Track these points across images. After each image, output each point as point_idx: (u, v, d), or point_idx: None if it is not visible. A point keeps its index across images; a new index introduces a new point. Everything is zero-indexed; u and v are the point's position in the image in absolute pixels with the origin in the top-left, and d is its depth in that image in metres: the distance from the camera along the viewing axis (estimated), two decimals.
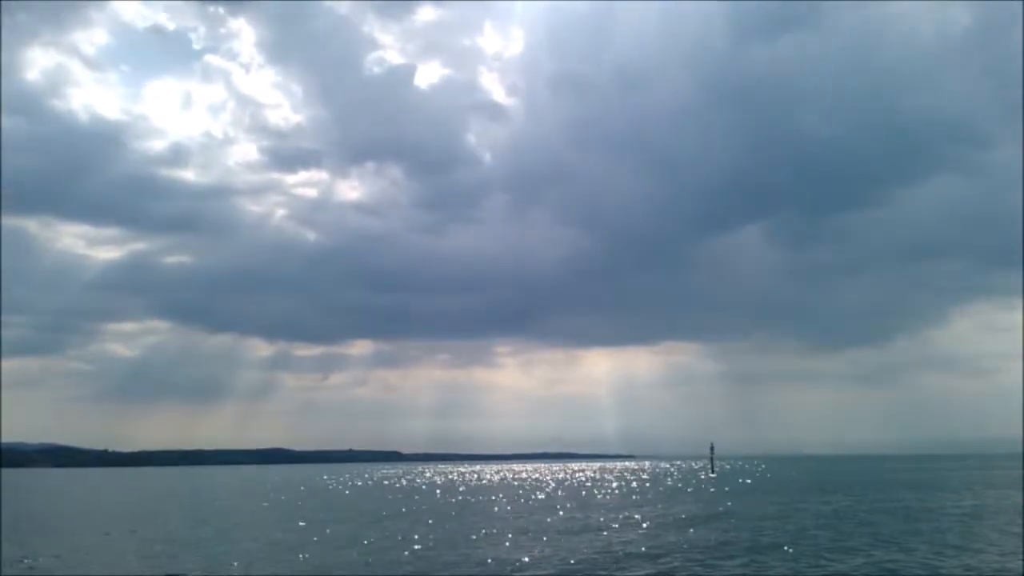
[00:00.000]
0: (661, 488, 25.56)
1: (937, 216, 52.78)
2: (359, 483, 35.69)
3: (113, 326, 63.10)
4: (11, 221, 48.18)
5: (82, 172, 49.56)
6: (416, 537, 10.98)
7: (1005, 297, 57.52)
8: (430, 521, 13.71)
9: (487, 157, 53.34)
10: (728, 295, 54.77)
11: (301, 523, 13.79)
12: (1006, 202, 49.62)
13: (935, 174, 52.10)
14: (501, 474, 56.05)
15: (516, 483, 33.48)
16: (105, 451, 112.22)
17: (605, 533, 10.76)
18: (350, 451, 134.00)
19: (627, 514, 14.48)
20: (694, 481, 31.68)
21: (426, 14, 52.60)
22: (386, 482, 36.37)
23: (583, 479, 35.95)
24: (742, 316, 61.19)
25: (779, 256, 56.03)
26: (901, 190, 51.69)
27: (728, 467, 62.19)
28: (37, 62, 48.29)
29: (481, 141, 53.23)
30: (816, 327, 55.70)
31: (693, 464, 71.35)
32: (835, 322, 54.96)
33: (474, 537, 10.70)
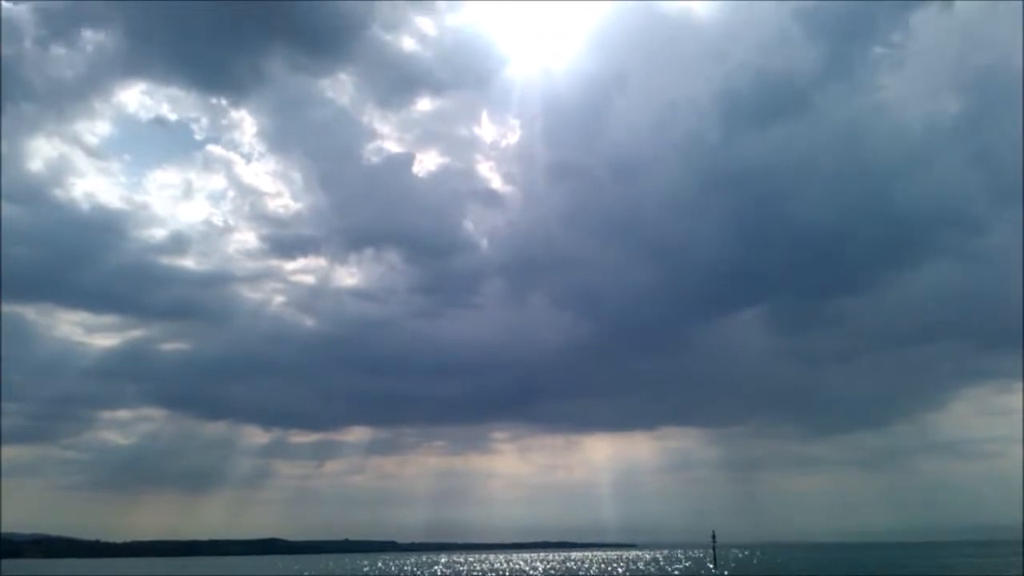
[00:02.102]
0: None
1: (933, 300, 53.39)
2: None
3: (108, 414, 63.73)
4: (10, 308, 48.97)
5: (82, 260, 50.53)
6: None
7: (1004, 380, 57.84)
8: None
9: (484, 243, 54.66)
10: (726, 379, 55.30)
11: None
12: (1001, 286, 50.17)
13: (929, 259, 52.97)
14: (503, 565, 55.24)
15: None
16: (97, 541, 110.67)
17: None
18: (346, 540, 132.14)
19: None
20: None
21: (424, 105, 54.69)
22: None
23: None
24: (740, 401, 61.81)
25: (776, 340, 56.52)
26: (896, 275, 52.38)
27: (731, 556, 61.37)
28: (40, 152, 49.83)
29: (478, 228, 54.70)
30: (815, 412, 56.12)
31: (695, 553, 70.27)
32: (834, 407, 55.38)
33: None
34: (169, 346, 54.07)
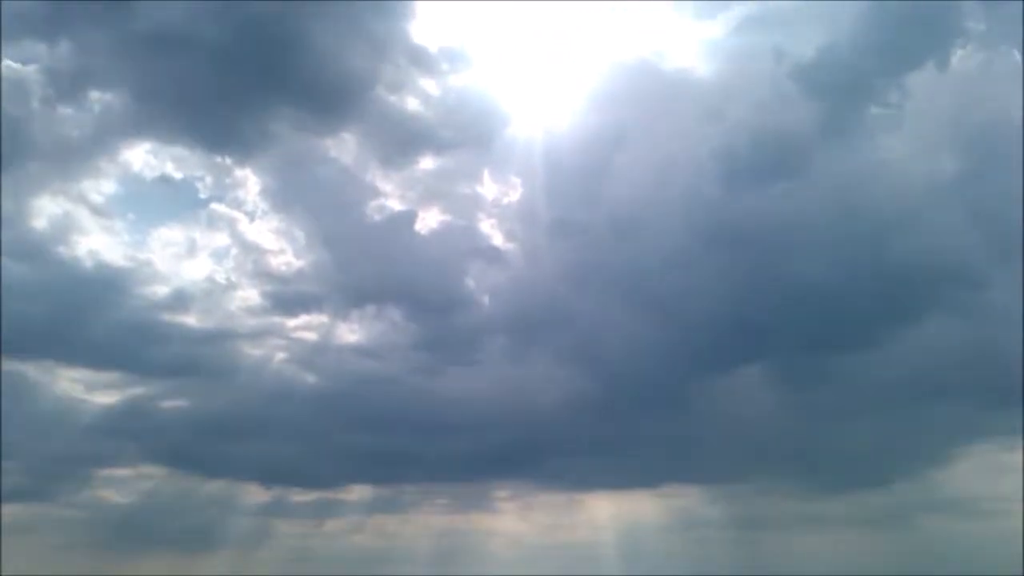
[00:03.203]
0: None
1: (935, 357, 53.05)
2: None
3: (107, 472, 62.79)
4: (11, 366, 48.81)
5: (84, 317, 50.38)
6: None
7: (1007, 437, 57.10)
8: None
9: (486, 300, 54.75)
10: (728, 436, 54.80)
11: None
12: (1003, 342, 49.97)
13: (930, 315, 52.98)
14: None
15: None
16: None
17: None
18: None
19: None
20: None
21: (427, 163, 55.27)
22: None
23: None
24: (743, 457, 60.76)
25: (778, 397, 56.20)
26: (898, 331, 52.26)
27: None
28: (46, 210, 50.15)
29: (480, 285, 54.77)
30: (818, 469, 55.50)
31: None
32: (837, 464, 54.81)
33: None
34: (169, 403, 54.30)
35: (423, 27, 51.82)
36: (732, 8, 57.72)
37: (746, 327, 52.22)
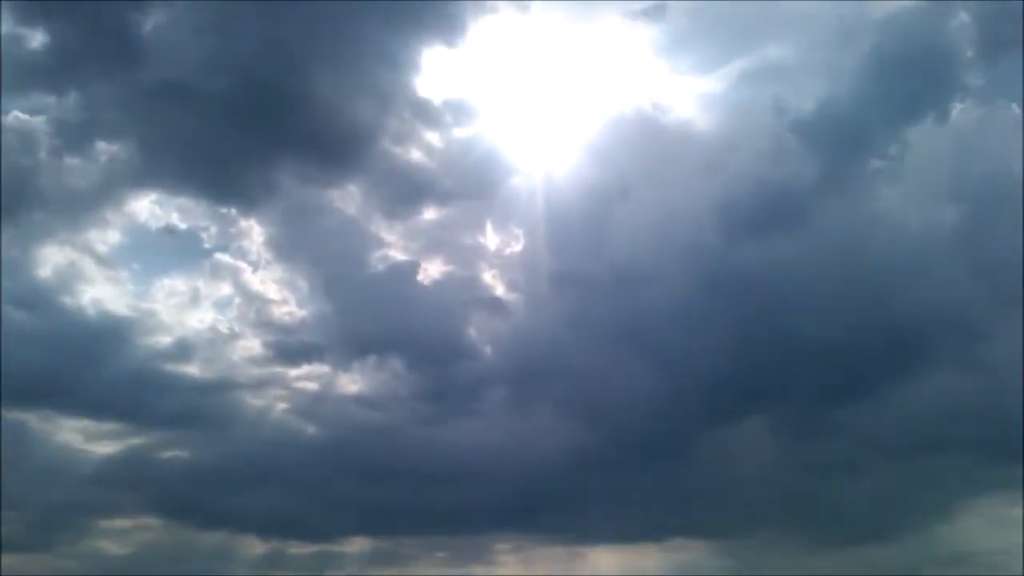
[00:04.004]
0: None
1: (938, 409, 52.82)
2: None
3: (106, 522, 62.24)
4: (13, 415, 48.70)
5: (87, 367, 50.29)
6: None
7: (1013, 492, 56.45)
8: None
9: (488, 351, 54.66)
10: (733, 489, 54.13)
11: None
12: (1006, 396, 49.73)
13: (932, 368, 52.81)
14: None
15: None
16: None
17: None
18: None
19: None
20: None
21: (430, 214, 55.57)
22: None
23: None
24: (748, 511, 59.90)
25: (780, 450, 55.71)
26: (899, 383, 52.02)
27: None
28: (51, 259, 50.42)
29: (482, 335, 54.68)
30: (823, 523, 54.79)
31: None
32: (841, 518, 54.07)
33: None
34: (169, 454, 53.96)
35: (428, 80, 52.39)
36: (731, 63, 58.50)
37: (748, 378, 52.11)
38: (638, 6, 56.71)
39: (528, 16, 53.41)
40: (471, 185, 55.64)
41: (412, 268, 57.12)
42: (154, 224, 55.13)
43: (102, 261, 54.78)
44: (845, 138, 51.98)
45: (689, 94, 57.10)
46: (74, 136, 50.23)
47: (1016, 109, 53.10)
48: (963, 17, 52.70)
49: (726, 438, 56.97)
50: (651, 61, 57.82)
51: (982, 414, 49.87)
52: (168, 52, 47.81)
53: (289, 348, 56.42)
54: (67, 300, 53.38)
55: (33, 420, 52.47)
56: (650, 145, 55.49)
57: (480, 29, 53.09)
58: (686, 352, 53.25)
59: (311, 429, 56.71)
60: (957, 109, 53.95)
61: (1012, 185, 50.15)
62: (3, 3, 46.17)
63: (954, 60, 53.07)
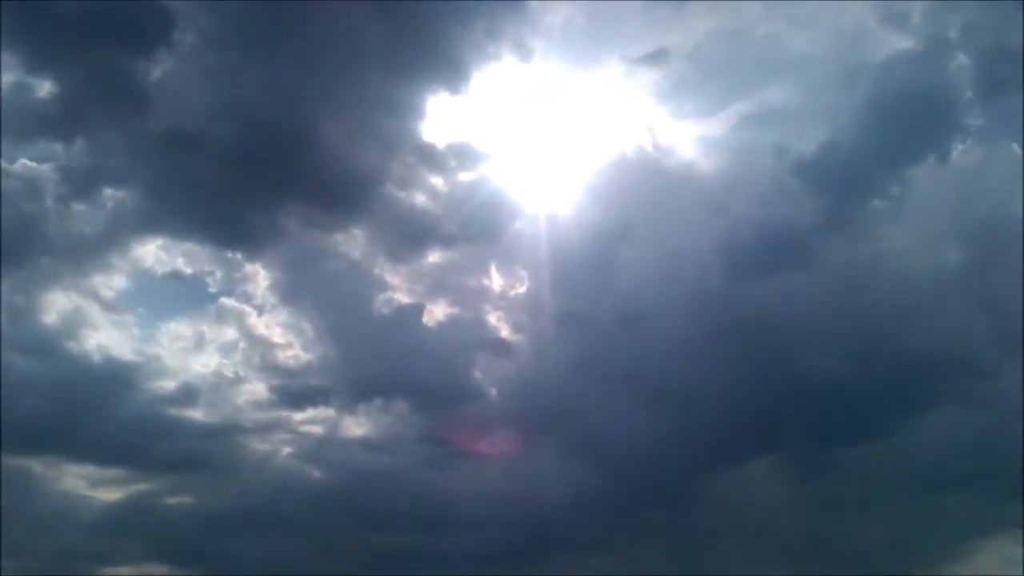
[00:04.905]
0: None
1: (946, 448, 52.55)
2: None
3: (109, 570, 61.66)
4: (18, 462, 48.40)
5: (91, 412, 50.16)
6: None
7: (1020, 530, 56.08)
8: None
9: (493, 392, 54.61)
10: (741, 529, 53.60)
11: None
12: (1013, 433, 49.59)
13: (939, 406, 52.62)
14: None
15: None
16: None
17: None
18: None
19: None
20: None
21: (435, 257, 55.82)
22: None
23: None
24: (757, 552, 59.30)
25: (789, 489, 55.38)
26: (907, 422, 51.82)
27: None
28: (56, 305, 50.52)
29: (487, 377, 54.60)
30: (832, 563, 54.25)
31: None
32: (852, 559, 53.54)
33: None
34: (174, 500, 53.68)
35: (432, 126, 52.97)
36: (732, 106, 58.97)
37: (754, 419, 52.04)
38: (639, 52, 57.29)
39: (530, 63, 53.99)
40: (475, 228, 55.98)
41: (417, 311, 57.30)
42: (160, 269, 55.41)
43: (107, 306, 54.97)
44: (847, 179, 52.35)
45: (691, 138, 57.48)
46: (80, 183, 50.68)
47: (1016, 149, 53.52)
48: (961, 59, 53.21)
49: (733, 479, 56.73)
50: (652, 106, 58.26)
51: (990, 452, 49.73)
52: (174, 99, 48.38)
53: (294, 392, 56.40)
54: (72, 345, 53.51)
55: (37, 466, 52.37)
56: (653, 187, 55.88)
57: (483, 76, 53.69)
58: (692, 392, 53.22)
59: (316, 473, 56.55)
60: (958, 150, 54.40)
61: (1014, 224, 50.38)
62: (11, 52, 46.65)
63: (954, 101, 53.60)
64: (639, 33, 60.61)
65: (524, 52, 55.01)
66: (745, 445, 54.19)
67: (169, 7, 47.60)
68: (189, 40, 49.68)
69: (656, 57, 58.11)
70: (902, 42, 56.24)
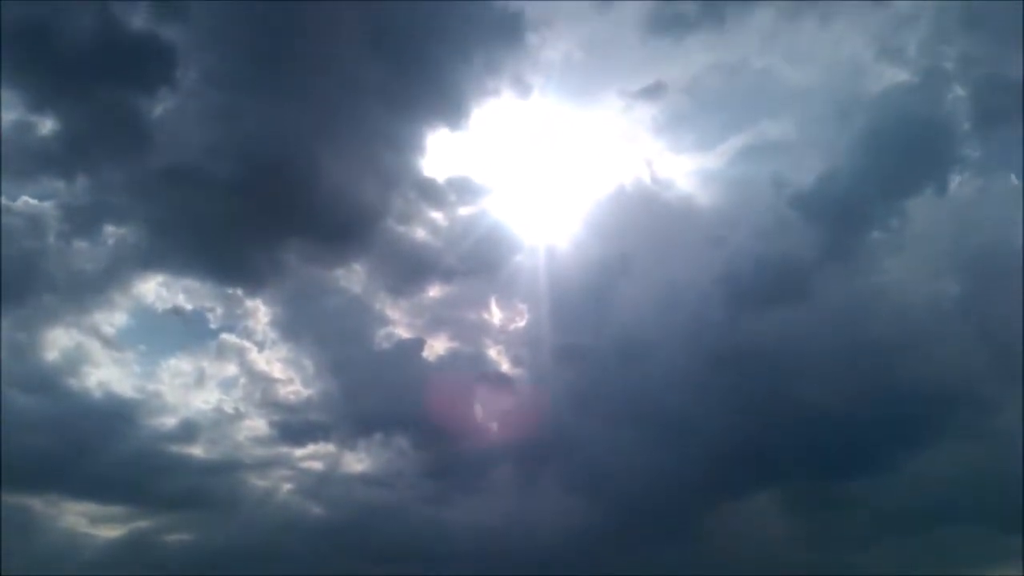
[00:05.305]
0: None
1: (948, 481, 52.35)
2: None
3: None
4: (18, 500, 48.25)
5: (92, 450, 50.08)
6: None
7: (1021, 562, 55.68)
8: None
9: (494, 426, 54.42)
10: (743, 565, 53.13)
11: None
12: (1012, 465, 49.39)
13: (940, 439, 52.41)
14: None
15: None
16: None
17: None
18: None
19: None
20: None
21: (435, 291, 55.93)
22: None
23: None
24: None
25: (793, 524, 55.02)
26: (908, 455, 51.64)
27: None
28: (58, 342, 50.60)
29: (488, 411, 54.49)
30: None
31: None
32: None
33: None
34: (173, 537, 53.51)
35: (432, 161, 53.41)
36: (729, 139, 59.48)
37: (754, 452, 51.95)
38: (636, 86, 57.83)
39: (529, 98, 54.49)
40: (475, 262, 56.22)
41: (417, 345, 57.38)
42: (161, 305, 55.58)
43: (108, 343, 55.09)
44: (845, 211, 52.62)
45: (689, 170, 57.93)
46: (82, 220, 50.98)
47: (1014, 180, 53.81)
48: (958, 91, 53.60)
49: (734, 513, 56.52)
50: (651, 139, 58.77)
51: (991, 484, 49.60)
52: (176, 136, 48.74)
53: (294, 428, 56.37)
54: (73, 382, 53.60)
55: (37, 504, 52.27)
56: (651, 220, 56.14)
57: (483, 112, 54.17)
58: (693, 426, 53.18)
59: (317, 509, 56.38)
60: (956, 181, 54.62)
61: (1012, 255, 50.51)
62: (13, 90, 47.08)
63: (951, 133, 53.89)
64: (637, 68, 61.20)
65: (523, 88, 55.59)
66: (745, 479, 54.06)
67: (171, 45, 48.10)
68: (191, 77, 50.14)
69: (654, 91, 58.71)
70: (898, 75, 56.78)
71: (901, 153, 52.57)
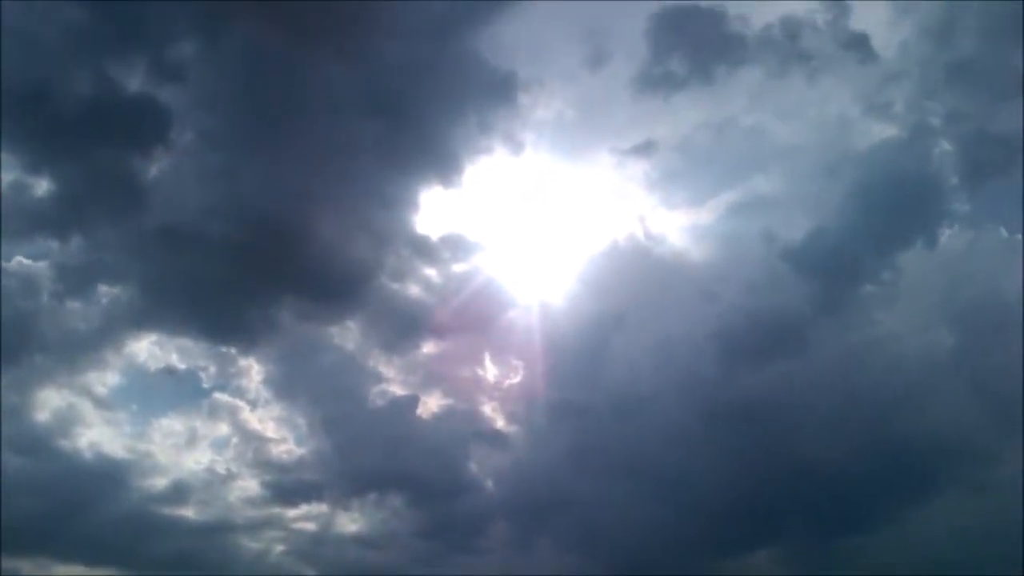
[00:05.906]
0: None
1: (949, 535, 51.79)
2: None
3: None
4: (7, 563, 47.42)
5: (82, 511, 49.33)
6: None
7: None
8: None
9: (489, 484, 53.72)
10: None
11: None
12: (1017, 518, 48.91)
13: (938, 493, 52.06)
14: None
15: None
16: None
17: None
18: None
19: None
20: None
21: (429, 348, 55.74)
22: None
23: None
24: None
25: None
26: (908, 510, 51.14)
27: None
28: (49, 403, 50.19)
29: (483, 468, 53.80)
30: None
31: None
32: None
33: None
34: None
35: (425, 218, 53.70)
36: (720, 195, 59.91)
37: (752, 509, 51.54)
38: (628, 144, 58.38)
39: (522, 156, 54.92)
40: (469, 318, 56.20)
41: (411, 403, 57.11)
42: (153, 365, 55.37)
43: (100, 403, 54.79)
44: (836, 265, 52.88)
45: (681, 226, 58.27)
46: (76, 280, 51.01)
47: (1003, 232, 54.22)
48: (944, 145, 54.21)
49: (734, 570, 55.90)
50: (643, 196, 59.21)
51: (991, 537, 49.18)
52: (170, 196, 49.00)
53: (287, 488, 55.85)
54: (64, 444, 53.20)
55: (27, 567, 51.54)
56: (645, 276, 56.33)
57: (476, 169, 54.57)
58: (689, 482, 52.83)
59: (310, 571, 55.64)
60: (945, 234, 55.01)
61: (1004, 306, 50.74)
62: (10, 151, 47.40)
63: (939, 187, 54.42)
64: (628, 125, 61.81)
65: (516, 145, 56.06)
66: (744, 536, 53.55)
67: (167, 106, 48.60)
68: (186, 138, 50.56)
69: (645, 148, 59.25)
70: (886, 131, 57.46)
71: (890, 207, 53.01)
